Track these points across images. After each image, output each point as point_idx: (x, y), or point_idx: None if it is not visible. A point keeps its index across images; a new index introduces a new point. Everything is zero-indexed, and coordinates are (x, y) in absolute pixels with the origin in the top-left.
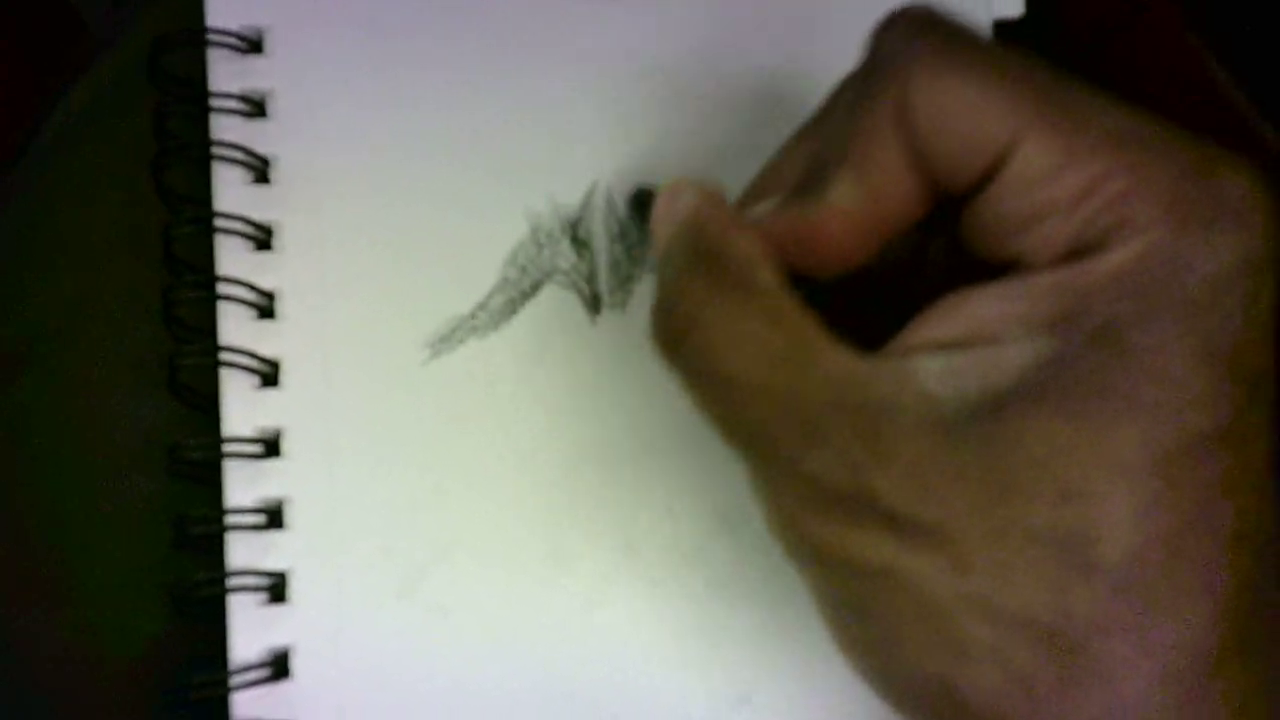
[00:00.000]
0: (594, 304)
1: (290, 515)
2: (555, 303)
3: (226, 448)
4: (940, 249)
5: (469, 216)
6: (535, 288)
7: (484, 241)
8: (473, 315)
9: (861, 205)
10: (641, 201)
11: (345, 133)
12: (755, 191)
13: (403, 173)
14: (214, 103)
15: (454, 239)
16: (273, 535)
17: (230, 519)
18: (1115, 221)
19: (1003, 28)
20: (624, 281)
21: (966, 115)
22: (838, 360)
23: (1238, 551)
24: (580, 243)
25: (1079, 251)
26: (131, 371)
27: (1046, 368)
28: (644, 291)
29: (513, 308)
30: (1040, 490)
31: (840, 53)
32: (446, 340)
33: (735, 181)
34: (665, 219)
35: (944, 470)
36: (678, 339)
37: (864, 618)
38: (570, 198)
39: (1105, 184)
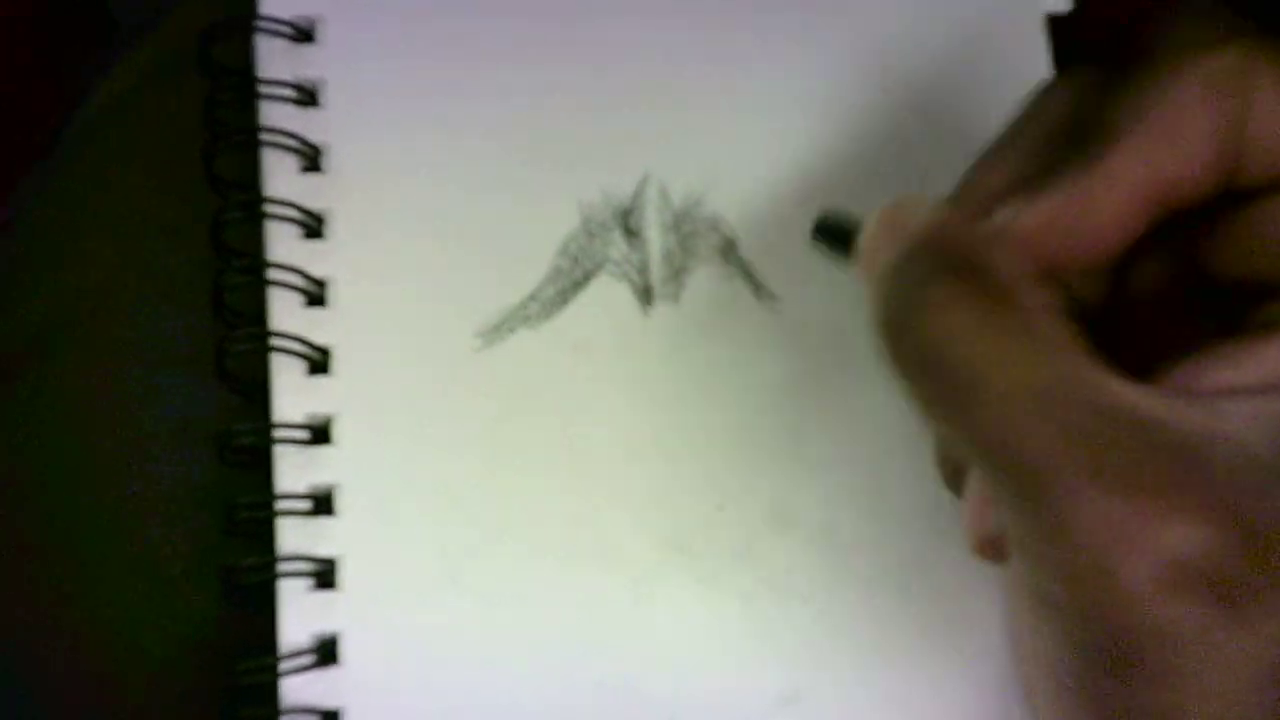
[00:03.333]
0: (646, 295)
1: (340, 502)
2: (607, 293)
3: (277, 433)
4: (1148, 277)
5: (521, 206)
6: (587, 278)
7: (536, 231)
8: (524, 305)
9: (1147, 174)
10: (831, 229)
11: (397, 122)
12: (970, 198)
13: (455, 162)
14: (265, 90)
15: (505, 228)
16: (322, 521)
17: (280, 505)
18: None
19: (1052, 21)
20: (676, 273)
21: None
22: (1129, 394)
23: None
24: (632, 233)
25: None
26: (170, 356)
27: None
28: (696, 284)
29: (564, 298)
30: None
31: (895, 58)
32: (497, 329)
33: (794, 181)
34: (892, 233)
35: (1270, 521)
36: (934, 354)
37: (1144, 685)
38: (622, 188)
39: None
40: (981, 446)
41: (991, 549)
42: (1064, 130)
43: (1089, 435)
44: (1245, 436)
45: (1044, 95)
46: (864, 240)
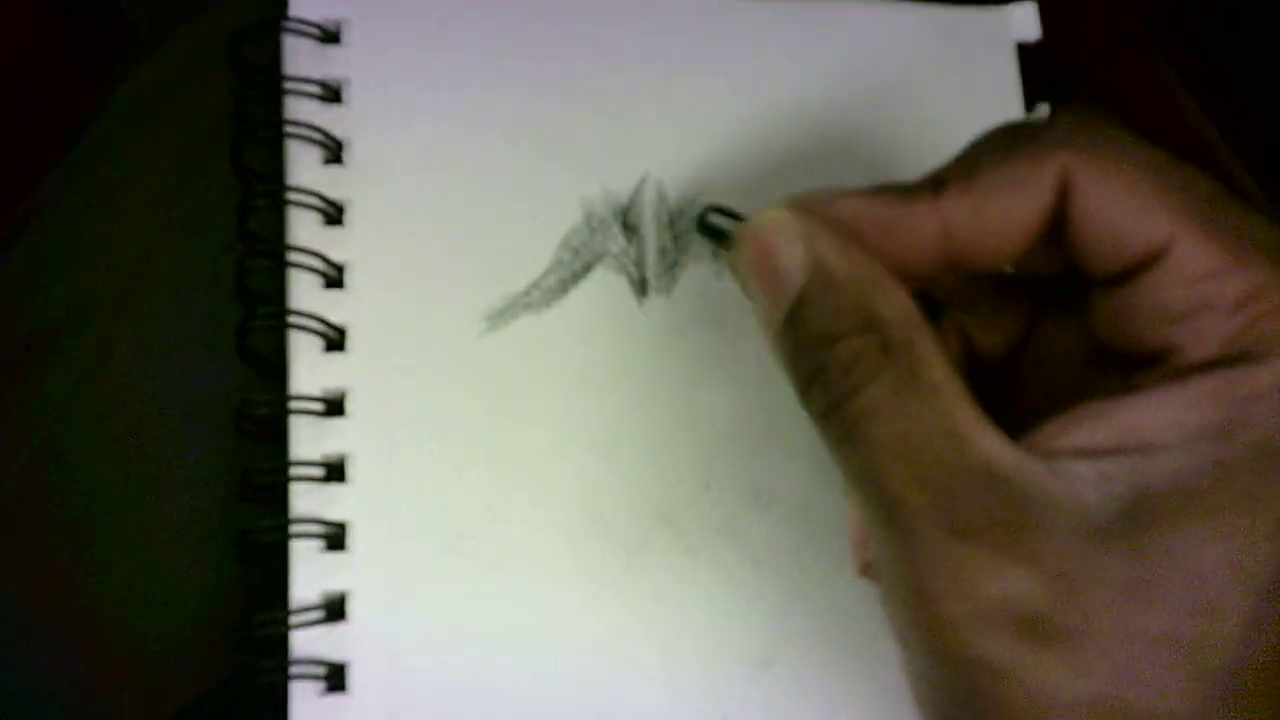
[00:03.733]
0: (641, 287)
1: (351, 470)
2: (605, 284)
3: (293, 404)
4: (1049, 342)
5: (527, 201)
6: (586, 269)
7: (540, 224)
8: (527, 293)
9: (964, 223)
10: (712, 222)
11: (415, 119)
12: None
13: (468, 158)
14: (291, 86)
15: (512, 221)
16: (334, 488)
17: (294, 471)
18: (1277, 331)
19: (1020, 50)
20: (670, 267)
21: (1134, 205)
22: (990, 450)
23: None
24: (630, 229)
25: (1235, 358)
26: (188, 335)
27: (1204, 477)
28: (689, 279)
29: (565, 287)
30: (1179, 600)
31: (887, 74)
32: (501, 315)
33: (787, 181)
34: (773, 261)
35: (1090, 575)
36: (836, 401)
37: (970, 709)
38: (623, 186)
39: (1270, 293)
40: (856, 482)
41: (871, 573)
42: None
43: (944, 485)
44: (1083, 494)
45: (983, 136)
46: (737, 257)
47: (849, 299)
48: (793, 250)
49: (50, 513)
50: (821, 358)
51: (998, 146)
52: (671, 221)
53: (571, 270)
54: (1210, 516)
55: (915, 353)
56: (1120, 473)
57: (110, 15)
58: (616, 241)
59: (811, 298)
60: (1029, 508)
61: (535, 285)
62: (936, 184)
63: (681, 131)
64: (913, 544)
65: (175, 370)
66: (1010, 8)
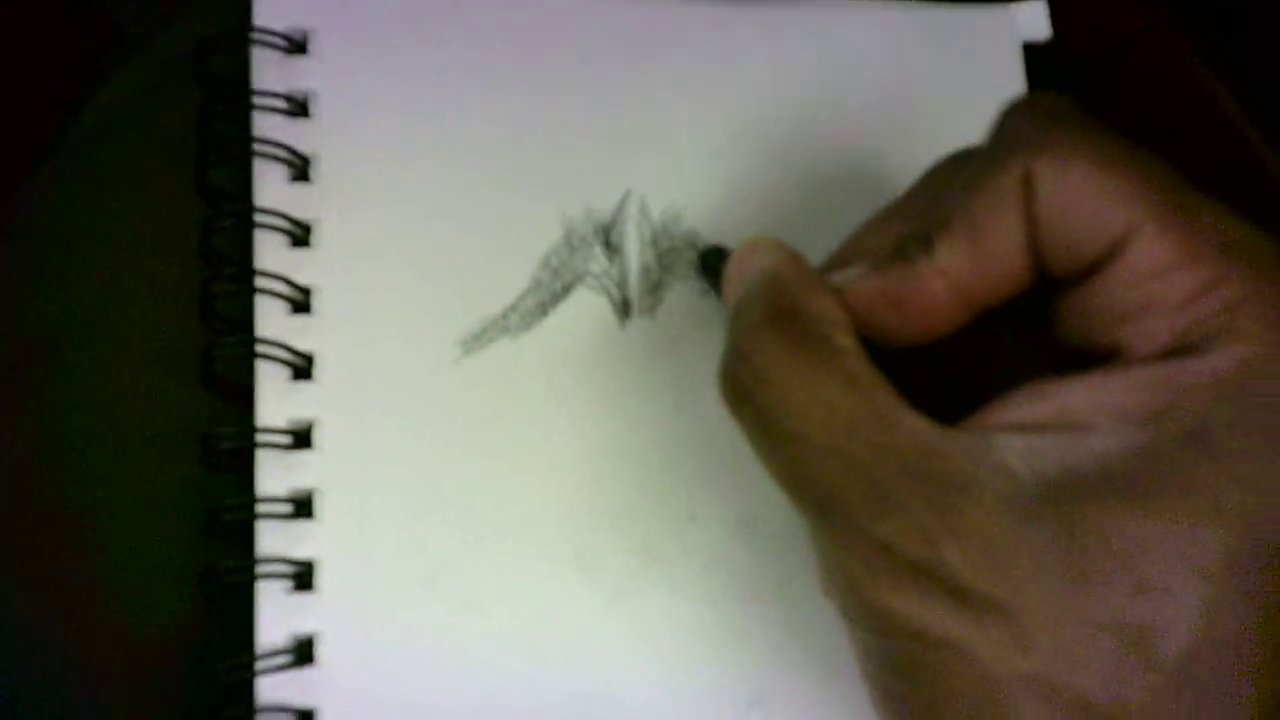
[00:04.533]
0: (624, 309)
1: (320, 505)
2: (586, 306)
3: (259, 437)
4: (1009, 334)
5: (504, 219)
6: (566, 290)
7: (518, 243)
8: (504, 316)
9: (967, 270)
10: (710, 261)
11: (385, 134)
12: (836, 262)
13: (441, 174)
14: (258, 101)
15: (489, 240)
16: (302, 525)
17: (261, 507)
18: (1221, 326)
19: (1029, 50)
20: (654, 288)
21: (1089, 203)
22: (915, 428)
23: None
24: (612, 248)
25: (1179, 350)
26: (162, 362)
27: (1133, 460)
28: (673, 299)
29: (544, 309)
30: (1116, 580)
31: (875, 90)
32: (478, 339)
33: (769, 202)
34: (741, 274)
35: (1018, 547)
36: (747, 393)
37: (913, 684)
38: (604, 204)
39: (1218, 288)
40: (783, 479)
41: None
42: (935, 205)
43: (868, 466)
44: (1012, 465)
45: (937, 166)
46: (726, 274)
47: (777, 295)
48: (758, 259)
49: (12, 547)
50: (738, 345)
51: (956, 179)
52: (655, 240)
53: (551, 291)
54: (1142, 499)
55: (833, 345)
56: (1050, 449)
57: (94, 18)
58: (598, 261)
59: (748, 295)
60: (956, 480)
61: (513, 308)
62: (924, 244)
63: (666, 146)
64: (842, 527)
65: (145, 398)
66: (1016, 6)
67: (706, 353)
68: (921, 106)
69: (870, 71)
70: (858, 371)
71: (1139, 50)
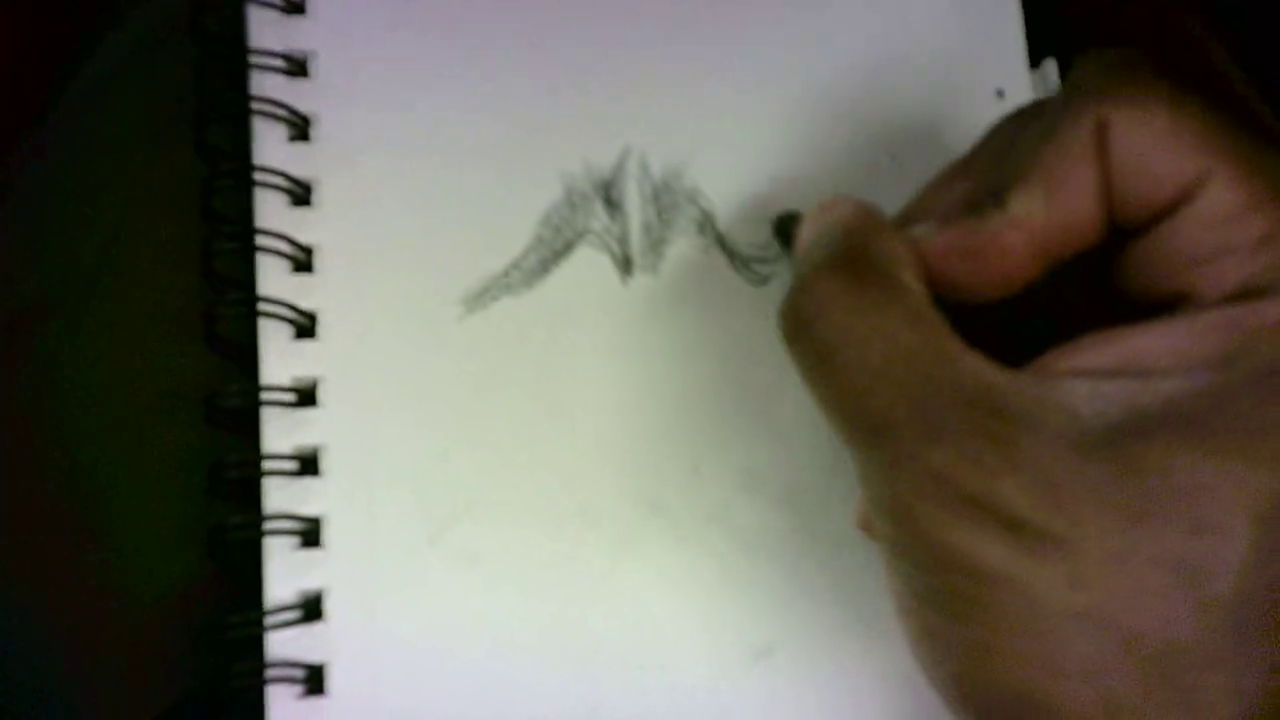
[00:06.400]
0: (625, 265)
1: (325, 462)
2: (588, 263)
3: (264, 395)
4: (1073, 288)
5: (505, 177)
6: (568, 248)
7: (519, 201)
8: (506, 273)
9: (1044, 221)
10: (785, 226)
11: (385, 93)
12: (909, 217)
13: (440, 133)
14: (255, 60)
15: (489, 199)
16: (308, 482)
17: (266, 465)
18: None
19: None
20: (656, 244)
21: (1164, 149)
22: (976, 366)
23: None
24: (613, 205)
25: (1250, 293)
26: (163, 322)
27: (1200, 401)
28: (675, 255)
29: (545, 267)
30: (1174, 519)
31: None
32: (480, 297)
33: (770, 155)
34: (814, 227)
35: (1077, 484)
36: (807, 322)
37: (960, 619)
38: (605, 161)
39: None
40: (836, 405)
41: (868, 523)
42: (999, 162)
43: (926, 398)
44: (1076, 406)
45: (1001, 123)
46: (800, 232)
47: (847, 238)
48: (833, 213)
49: (17, 510)
50: (802, 279)
51: (1025, 132)
52: (656, 196)
53: (552, 249)
54: (1206, 440)
55: (899, 282)
56: (1116, 393)
57: None
58: (599, 218)
59: (817, 240)
60: (1017, 416)
61: (515, 265)
62: (998, 197)
63: (665, 101)
64: (896, 456)
65: (146, 359)
66: None
67: (709, 308)
68: (913, 60)
69: (869, 23)
70: (921, 309)
71: (1135, 11)
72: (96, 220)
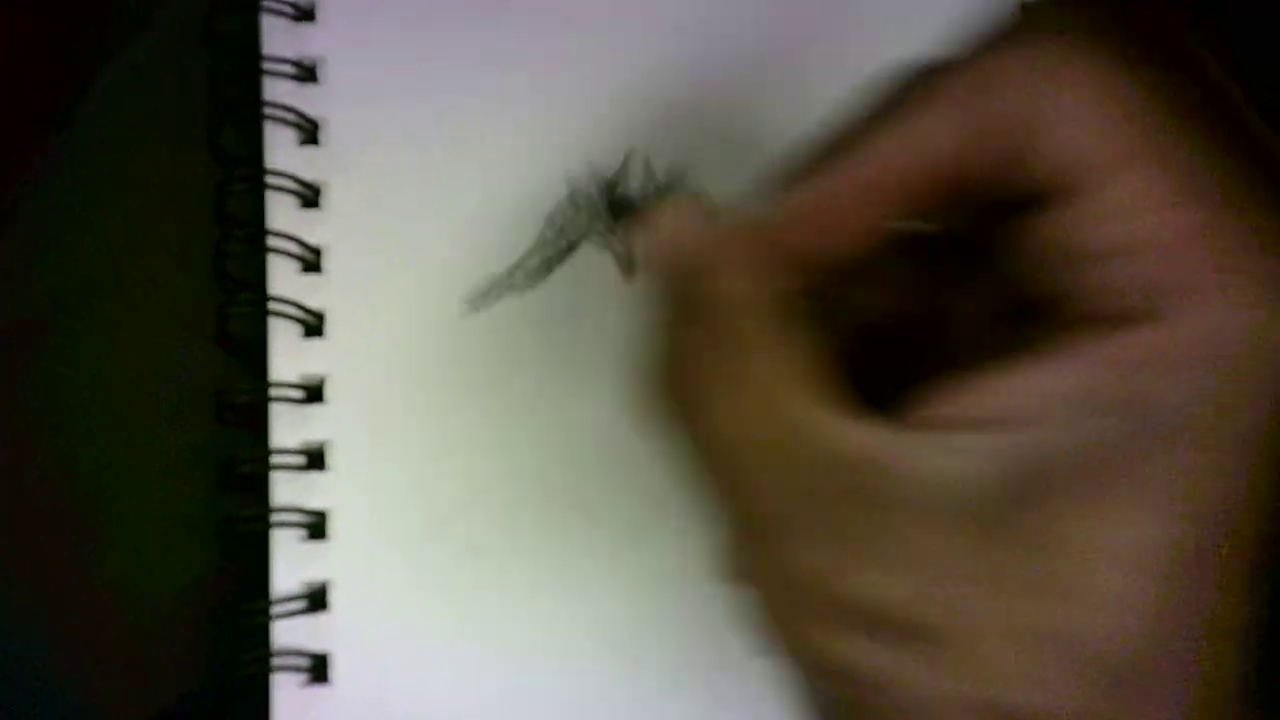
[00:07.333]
0: (629, 265)
1: (332, 457)
2: (591, 264)
3: (273, 392)
4: (964, 305)
5: (509, 178)
6: (571, 248)
7: (523, 202)
8: (510, 274)
9: (907, 160)
10: (613, 197)
11: (392, 97)
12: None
13: (446, 136)
14: (267, 66)
15: (494, 199)
16: (314, 476)
17: (275, 459)
18: (1199, 281)
19: None
20: None
21: (1071, 120)
22: (846, 438)
23: (1225, 645)
24: (617, 205)
25: (1141, 313)
26: (175, 322)
27: (1082, 454)
28: None
29: (549, 267)
30: (1051, 589)
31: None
32: (484, 297)
33: (775, 156)
34: (655, 249)
35: (960, 569)
36: (673, 404)
37: (855, 717)
38: (608, 161)
39: (1208, 236)
40: (710, 488)
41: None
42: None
43: (793, 484)
44: (951, 471)
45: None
46: (643, 249)
47: (686, 281)
48: (665, 232)
49: (32, 505)
50: (658, 354)
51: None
52: (660, 197)
53: (556, 249)
54: (1094, 496)
55: (749, 342)
56: (1003, 447)
57: None
58: (603, 218)
59: (663, 285)
60: (888, 496)
61: (518, 265)
62: (842, 148)
63: (671, 102)
64: (768, 554)
65: (160, 358)
66: None
67: None
68: (919, 56)
69: (869, 22)
70: (782, 370)
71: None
72: (112, 222)
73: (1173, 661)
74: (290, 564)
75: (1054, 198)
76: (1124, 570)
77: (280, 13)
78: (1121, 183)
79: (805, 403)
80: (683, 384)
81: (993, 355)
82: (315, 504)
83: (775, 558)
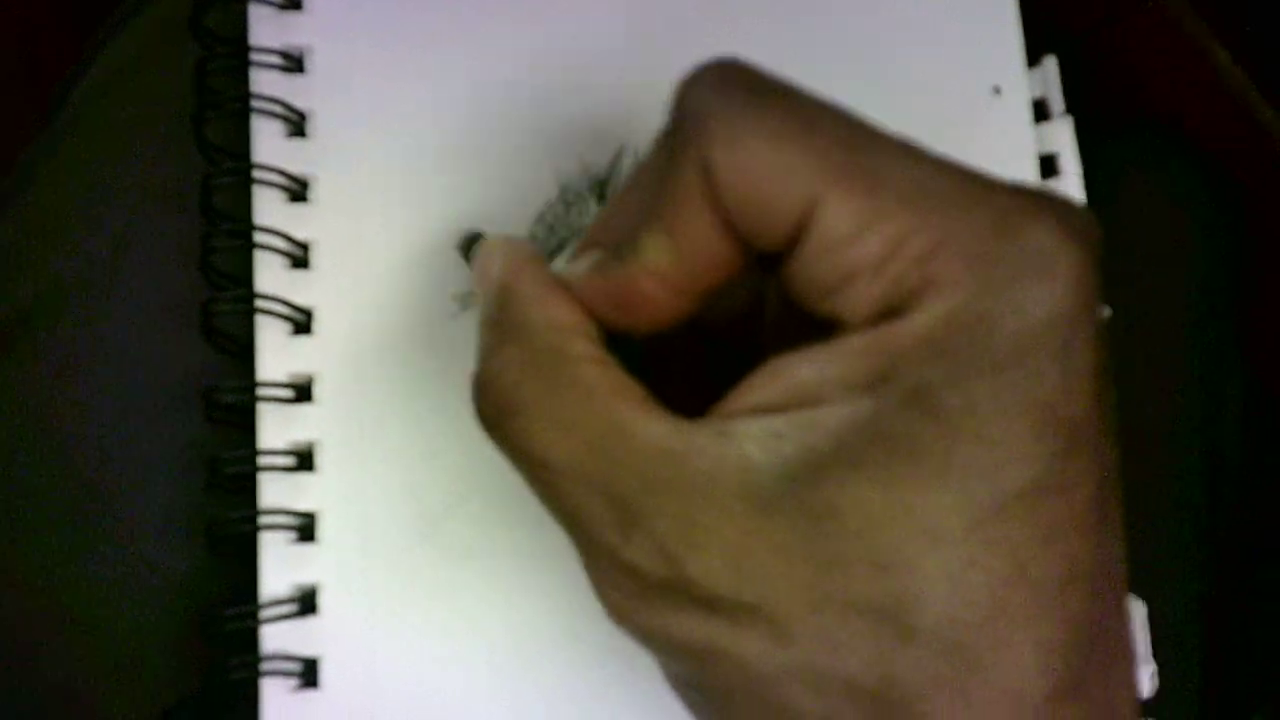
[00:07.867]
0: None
1: (320, 458)
2: None
3: (260, 391)
4: (775, 303)
5: (500, 175)
6: (562, 246)
7: (513, 200)
8: None
9: (673, 266)
10: (469, 251)
11: (380, 89)
12: (588, 242)
13: (435, 130)
14: (254, 57)
15: (484, 197)
16: (303, 477)
17: (262, 460)
18: (921, 282)
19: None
20: None
21: (768, 177)
22: (653, 435)
23: (1067, 595)
24: (607, 202)
25: (890, 312)
26: (165, 318)
27: (862, 431)
28: None
29: None
30: (857, 561)
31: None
32: (474, 295)
33: None
34: (481, 280)
35: (760, 547)
36: (495, 418)
37: (701, 692)
38: (599, 159)
39: (907, 244)
40: (541, 501)
41: None
42: (648, 195)
43: (616, 486)
44: (752, 455)
45: (656, 145)
46: (474, 278)
47: (507, 309)
48: (491, 265)
49: (22, 505)
50: (480, 373)
51: (657, 168)
52: None
53: (546, 247)
54: (872, 470)
55: (566, 356)
56: (789, 429)
57: None
58: (592, 217)
59: (485, 311)
60: (695, 485)
61: None
62: (633, 244)
63: (660, 100)
64: (595, 555)
65: (151, 355)
66: None
67: None
68: (913, 62)
69: (866, 20)
70: (594, 382)
71: (1139, 13)
72: (105, 217)
73: (1001, 623)
74: (278, 567)
75: (788, 246)
76: (927, 539)
77: (267, 2)
78: (826, 218)
79: (625, 404)
80: (509, 405)
81: (790, 350)
82: (304, 505)
83: (608, 554)
